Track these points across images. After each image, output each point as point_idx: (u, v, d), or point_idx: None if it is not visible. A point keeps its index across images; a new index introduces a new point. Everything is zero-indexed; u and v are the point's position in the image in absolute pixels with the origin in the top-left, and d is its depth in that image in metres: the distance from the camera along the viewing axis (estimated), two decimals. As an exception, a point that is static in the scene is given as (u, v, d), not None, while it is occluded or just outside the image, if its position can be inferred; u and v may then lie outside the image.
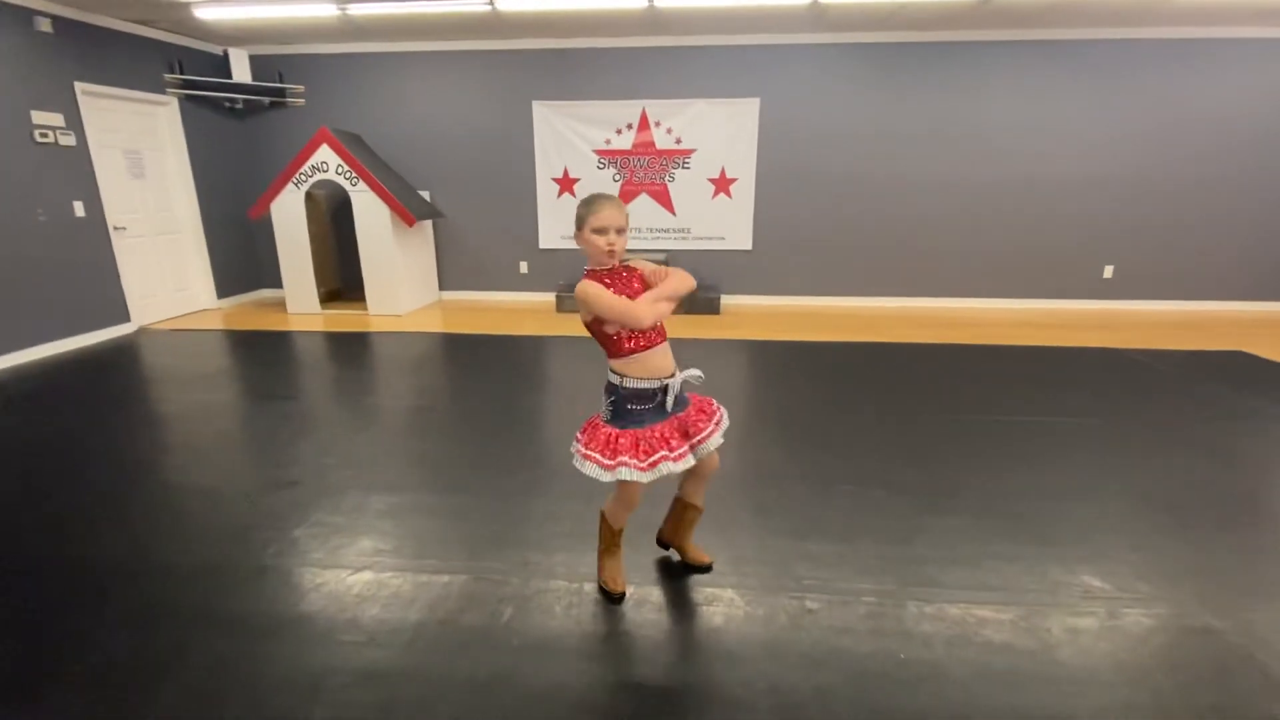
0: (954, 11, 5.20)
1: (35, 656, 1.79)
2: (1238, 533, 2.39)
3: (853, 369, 4.51)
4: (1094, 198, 6.20)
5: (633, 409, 1.80)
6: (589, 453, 1.80)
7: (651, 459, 1.76)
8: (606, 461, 1.77)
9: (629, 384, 1.78)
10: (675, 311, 1.81)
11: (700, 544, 2.20)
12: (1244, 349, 4.89)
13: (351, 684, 1.68)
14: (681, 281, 1.80)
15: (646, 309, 1.72)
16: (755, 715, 1.59)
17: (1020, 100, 6.00)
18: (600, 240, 1.73)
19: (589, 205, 1.75)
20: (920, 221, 6.42)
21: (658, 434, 1.80)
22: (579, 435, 1.87)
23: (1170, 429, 3.37)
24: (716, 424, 1.92)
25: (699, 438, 1.86)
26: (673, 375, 1.83)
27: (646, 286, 1.80)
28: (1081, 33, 5.77)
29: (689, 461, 1.81)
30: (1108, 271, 6.43)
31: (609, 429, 1.81)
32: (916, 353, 4.89)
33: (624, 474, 1.75)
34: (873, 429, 3.39)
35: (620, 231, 1.74)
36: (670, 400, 1.82)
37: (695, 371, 1.85)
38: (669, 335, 1.85)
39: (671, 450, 1.78)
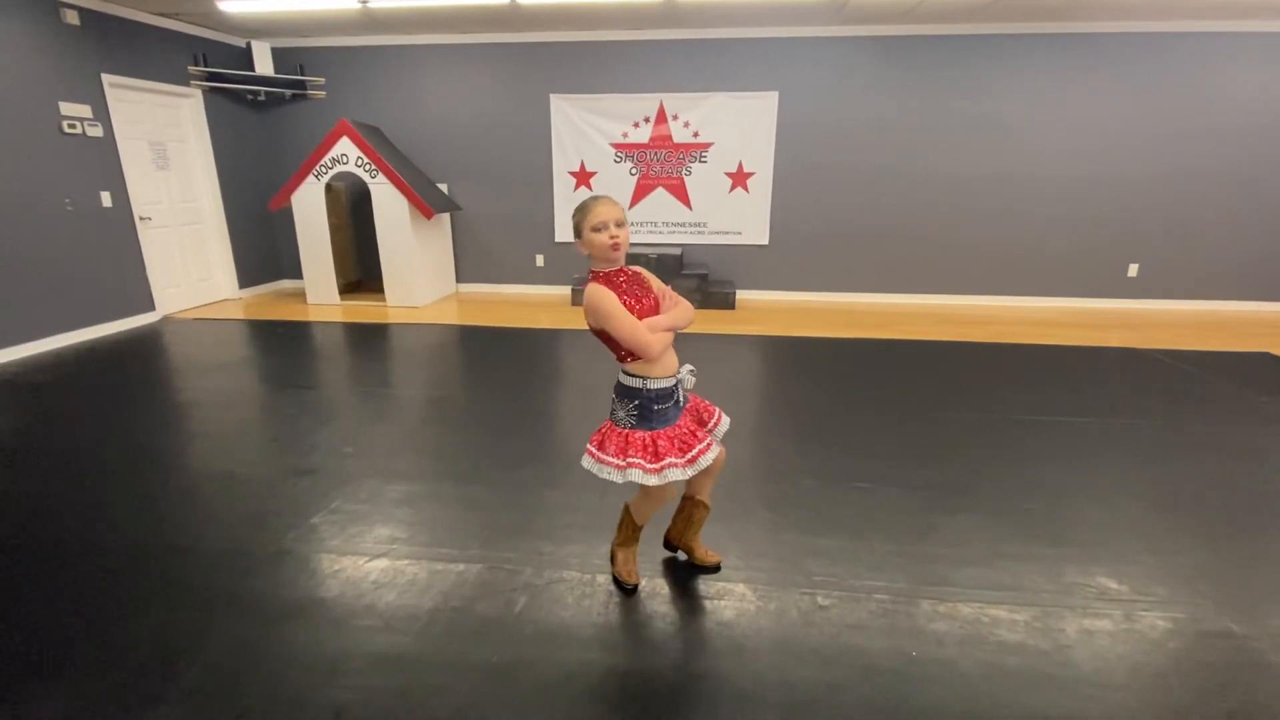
0: (976, 4, 5.12)
1: (58, 636, 1.84)
2: (1258, 536, 2.35)
3: (869, 366, 4.48)
4: (1119, 194, 6.09)
5: (658, 409, 1.79)
6: (632, 460, 1.74)
7: (689, 455, 1.77)
8: (651, 465, 1.74)
9: (653, 385, 1.76)
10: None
11: (711, 539, 2.21)
12: (1270, 350, 4.79)
13: (367, 668, 1.71)
14: (684, 313, 1.82)
15: (656, 341, 1.71)
16: (765, 709, 1.59)
17: (1043, 95, 5.90)
18: (602, 237, 1.70)
19: (582, 209, 1.74)
20: (940, 217, 6.35)
21: (687, 429, 1.83)
22: (597, 448, 1.81)
23: (1192, 430, 3.31)
24: (715, 408, 1.97)
25: (714, 421, 1.92)
26: (678, 370, 1.86)
27: (657, 300, 1.80)
28: (1107, 26, 5.65)
29: (716, 448, 1.84)
30: (1132, 270, 6.31)
31: (642, 433, 1.78)
32: (934, 350, 4.84)
33: (672, 475, 1.74)
34: (887, 426, 3.37)
35: (620, 224, 1.72)
36: (684, 391, 1.86)
37: (690, 367, 1.88)
38: (679, 332, 1.86)
39: (701, 441, 1.81)
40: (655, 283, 1.85)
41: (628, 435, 1.79)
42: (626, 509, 2.04)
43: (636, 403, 1.78)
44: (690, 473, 1.76)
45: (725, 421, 1.94)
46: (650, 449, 1.76)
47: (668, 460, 1.74)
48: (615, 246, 1.72)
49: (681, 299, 1.83)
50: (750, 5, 5.20)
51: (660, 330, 1.73)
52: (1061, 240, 6.28)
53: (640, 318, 1.73)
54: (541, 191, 6.74)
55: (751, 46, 6.06)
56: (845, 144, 6.24)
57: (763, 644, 1.81)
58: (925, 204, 6.32)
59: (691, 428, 1.83)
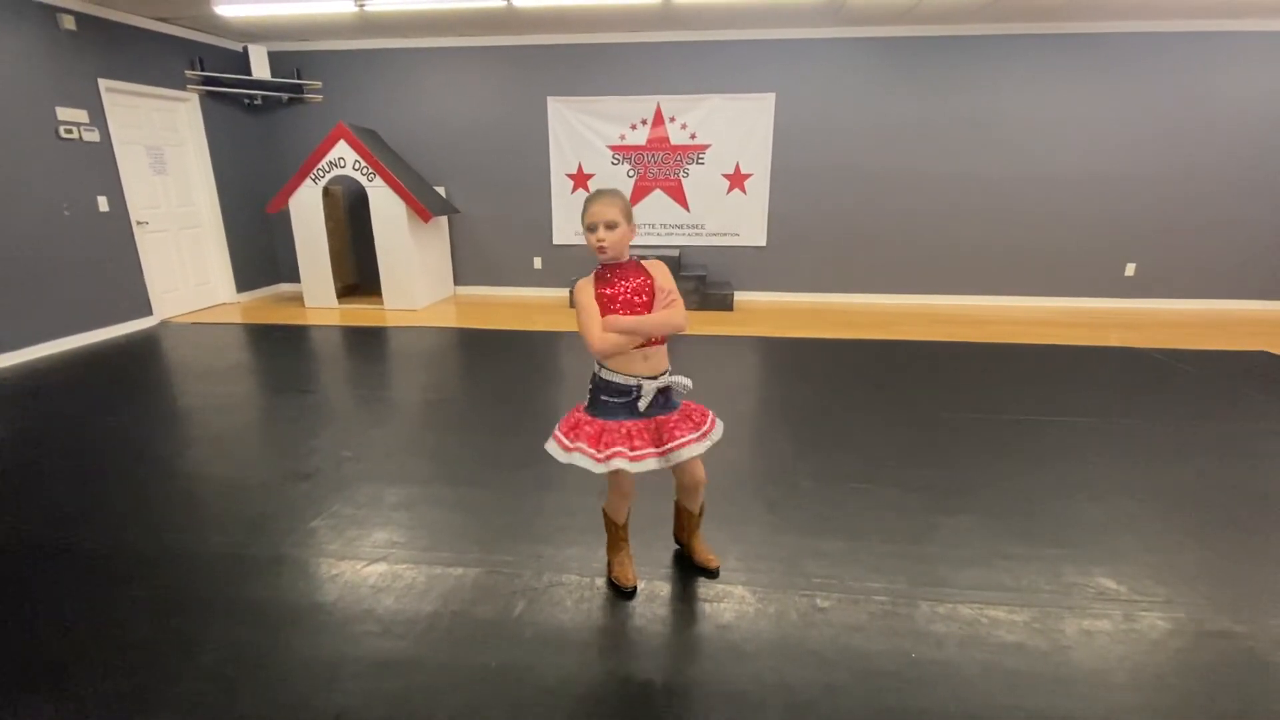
0: (973, 4, 5.13)
1: (57, 643, 1.83)
2: (1258, 535, 2.35)
3: (867, 367, 4.48)
4: (1116, 194, 6.10)
5: (605, 401, 1.81)
6: (556, 433, 1.83)
7: (607, 452, 1.75)
8: (567, 444, 1.79)
9: (604, 375, 1.80)
10: (688, 307, 1.81)
11: (710, 541, 2.20)
12: (1268, 349, 4.80)
13: (366, 673, 1.71)
14: (663, 319, 1.73)
15: (601, 340, 1.72)
16: (765, 712, 1.59)
17: (1040, 95, 5.92)
18: (591, 238, 1.74)
19: (585, 201, 1.76)
20: (938, 218, 6.35)
21: (624, 430, 1.78)
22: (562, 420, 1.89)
23: (1191, 430, 3.31)
24: (701, 435, 1.83)
25: (672, 444, 1.78)
26: (655, 378, 1.78)
27: (651, 291, 1.77)
28: (1104, 26, 5.67)
29: (649, 465, 1.76)
30: (1129, 269, 6.32)
31: (580, 414, 1.84)
32: (932, 351, 4.85)
33: (577, 460, 1.77)
34: (886, 427, 3.37)
35: (610, 226, 1.71)
36: (644, 402, 1.78)
37: (683, 380, 1.81)
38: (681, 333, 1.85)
39: (631, 449, 1.76)
40: (661, 280, 1.79)
41: (573, 411, 1.87)
42: (604, 512, 2.06)
43: (590, 386, 1.85)
44: (600, 469, 1.75)
45: (693, 449, 1.79)
46: (575, 429, 1.81)
47: (579, 445, 1.77)
48: (600, 250, 1.74)
49: (675, 305, 1.75)
50: (747, 7, 5.20)
51: (618, 329, 1.72)
52: (1058, 240, 6.28)
53: (621, 311, 1.74)
54: (539, 194, 6.74)
55: (748, 48, 6.07)
56: (842, 145, 6.24)
57: (762, 646, 1.81)
58: (923, 204, 6.32)
59: (633, 433, 1.78)
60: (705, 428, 1.85)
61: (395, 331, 5.52)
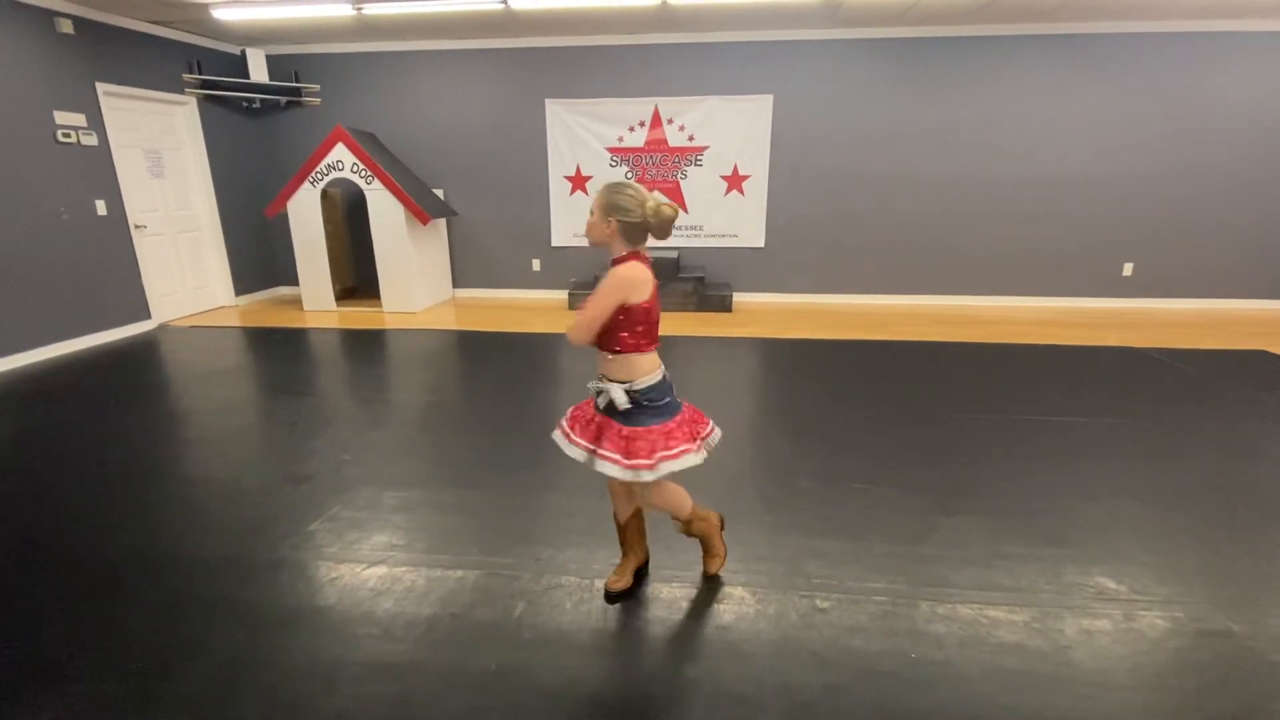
0: (970, 6, 5.14)
1: (56, 646, 1.83)
2: (1257, 535, 2.35)
3: (866, 367, 4.48)
4: (1113, 194, 6.11)
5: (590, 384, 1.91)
6: None
7: (562, 428, 1.92)
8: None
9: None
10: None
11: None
12: (1266, 349, 4.81)
13: (365, 676, 1.71)
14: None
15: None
16: (765, 712, 1.59)
17: (1038, 95, 5.93)
18: None
19: None
20: (935, 218, 6.36)
21: (582, 417, 1.89)
22: None
23: (1190, 429, 3.32)
24: (630, 464, 1.73)
25: (596, 452, 1.79)
26: (617, 383, 1.76)
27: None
28: (1101, 26, 5.68)
29: (574, 453, 1.85)
30: (1127, 269, 6.33)
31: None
32: (931, 351, 4.85)
33: (554, 434, 1.94)
34: (886, 427, 3.37)
35: (591, 211, 1.75)
36: (598, 401, 1.83)
37: (614, 394, 1.74)
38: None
39: (572, 431, 1.88)
40: (606, 280, 1.72)
41: None
42: None
43: None
44: (560, 442, 1.89)
45: (605, 467, 1.75)
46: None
47: (564, 418, 1.94)
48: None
49: (582, 309, 1.71)
50: (745, 8, 5.21)
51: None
52: (1056, 240, 6.29)
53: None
54: (537, 196, 6.74)
55: (746, 50, 6.07)
56: (840, 146, 6.25)
57: (762, 647, 1.80)
58: (921, 205, 6.33)
59: (585, 421, 1.87)
60: (635, 461, 1.74)
61: (394, 334, 5.52)
